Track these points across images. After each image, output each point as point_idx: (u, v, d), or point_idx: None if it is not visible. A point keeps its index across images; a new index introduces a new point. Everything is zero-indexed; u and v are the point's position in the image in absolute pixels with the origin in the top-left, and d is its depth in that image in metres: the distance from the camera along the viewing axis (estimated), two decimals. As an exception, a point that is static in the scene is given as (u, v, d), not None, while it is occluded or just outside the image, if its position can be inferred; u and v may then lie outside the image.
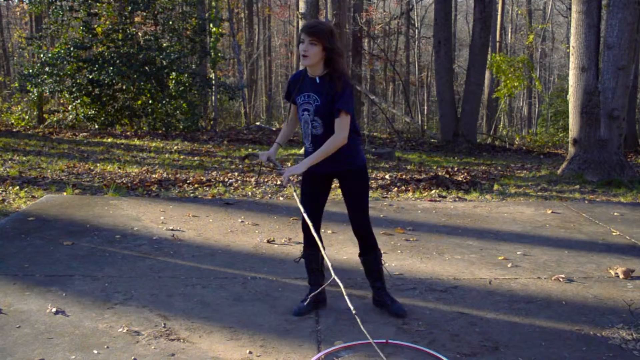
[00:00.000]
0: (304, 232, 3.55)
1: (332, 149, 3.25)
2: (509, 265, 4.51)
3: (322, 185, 3.52)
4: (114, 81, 13.65)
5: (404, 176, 8.46)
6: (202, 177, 7.95)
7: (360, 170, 3.44)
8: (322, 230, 5.30)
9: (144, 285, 3.90)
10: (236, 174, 8.37)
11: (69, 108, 14.62)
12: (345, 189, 3.48)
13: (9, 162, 8.77)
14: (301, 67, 3.45)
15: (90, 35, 14.43)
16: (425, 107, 26.77)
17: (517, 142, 17.04)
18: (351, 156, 3.39)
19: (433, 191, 7.41)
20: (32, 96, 14.92)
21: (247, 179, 7.91)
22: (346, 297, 2.99)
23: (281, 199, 6.76)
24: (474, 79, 13.90)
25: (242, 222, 5.57)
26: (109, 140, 11.79)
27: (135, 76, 13.68)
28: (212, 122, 16.20)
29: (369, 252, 3.54)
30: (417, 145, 14.27)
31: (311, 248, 3.53)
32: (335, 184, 3.66)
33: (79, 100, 14.22)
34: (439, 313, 3.59)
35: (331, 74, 3.24)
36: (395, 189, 7.53)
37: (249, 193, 7.08)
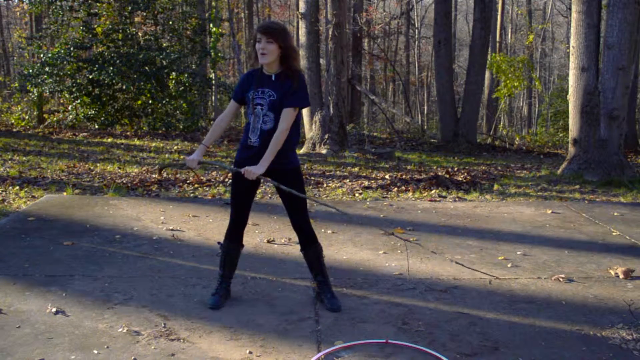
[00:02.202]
0: (235, 227, 3.62)
1: (280, 141, 3.38)
2: (509, 265, 4.51)
3: (254, 183, 3.56)
4: (114, 81, 13.64)
5: (404, 176, 8.46)
6: (202, 177, 7.95)
7: (297, 168, 3.57)
8: (322, 230, 5.32)
9: (144, 285, 3.90)
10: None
11: (69, 108, 14.62)
12: (281, 189, 3.51)
13: (9, 162, 8.77)
14: (256, 66, 3.52)
15: (90, 35, 14.43)
16: (425, 107, 26.76)
17: (517, 142, 17.03)
18: (288, 155, 3.50)
19: (433, 191, 7.41)
20: (32, 96, 14.92)
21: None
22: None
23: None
24: (474, 79, 13.90)
25: (242, 222, 5.56)
26: (109, 140, 11.79)
27: (135, 76, 13.68)
28: (212, 122, 16.18)
29: (309, 246, 3.64)
30: (417, 145, 14.27)
31: (236, 242, 3.65)
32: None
33: (79, 100, 14.22)
34: (439, 313, 3.59)
35: (287, 72, 3.41)
36: (395, 189, 7.53)
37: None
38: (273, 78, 3.42)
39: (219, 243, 3.73)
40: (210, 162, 3.52)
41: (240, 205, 3.58)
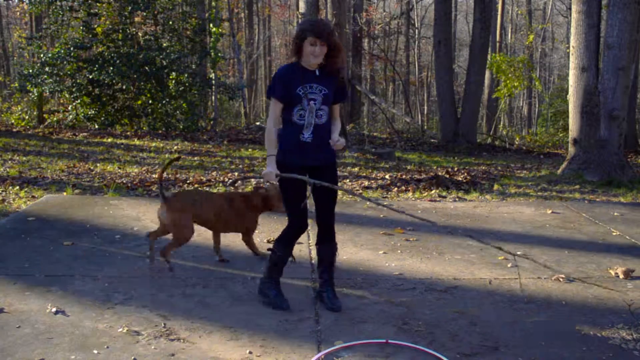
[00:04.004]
0: (298, 233, 3.62)
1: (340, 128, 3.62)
2: (509, 265, 4.51)
3: (306, 185, 3.50)
4: (114, 81, 13.64)
5: (404, 176, 8.46)
6: (202, 177, 7.95)
7: (335, 162, 3.65)
8: (322, 230, 5.31)
9: (144, 285, 3.90)
10: (236, 174, 8.37)
11: (69, 108, 14.62)
12: (324, 181, 3.48)
13: (9, 162, 8.77)
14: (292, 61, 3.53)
15: (90, 35, 14.41)
16: (425, 107, 26.76)
17: (517, 142, 17.04)
18: (331, 149, 3.57)
19: (433, 191, 7.41)
20: (32, 96, 14.91)
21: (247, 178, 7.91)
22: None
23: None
24: (474, 79, 13.90)
25: (242, 222, 5.56)
26: (109, 140, 11.79)
27: (135, 76, 13.67)
28: (212, 122, 16.20)
29: (328, 242, 3.67)
30: (417, 145, 14.27)
31: (292, 247, 3.69)
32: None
33: (79, 100, 14.22)
34: (439, 313, 3.59)
35: (329, 66, 3.44)
36: (395, 189, 7.53)
37: (249, 193, 7.07)
38: (317, 73, 3.44)
39: (269, 250, 3.71)
40: (289, 175, 3.40)
41: (303, 210, 3.51)
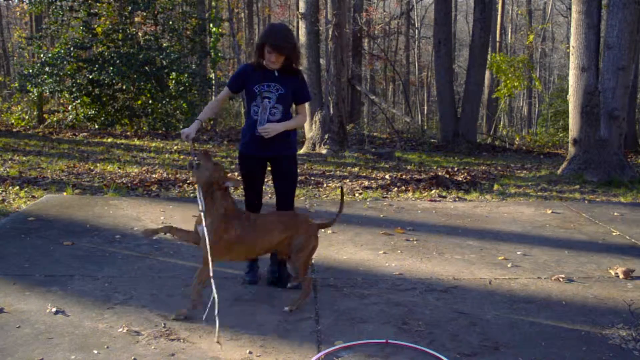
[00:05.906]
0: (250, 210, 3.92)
1: (300, 124, 3.91)
2: (509, 265, 4.51)
3: (260, 168, 3.89)
4: (114, 81, 13.63)
5: (404, 176, 8.46)
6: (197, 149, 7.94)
7: (294, 156, 3.94)
8: (322, 230, 5.31)
9: (144, 285, 3.90)
10: (236, 174, 8.37)
11: (69, 108, 14.61)
12: (280, 172, 3.90)
13: (9, 162, 8.76)
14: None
15: (90, 35, 14.42)
16: (425, 107, 26.77)
17: (517, 142, 17.03)
18: (291, 142, 3.89)
19: (433, 191, 7.41)
20: (32, 96, 14.90)
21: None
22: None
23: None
24: (474, 79, 13.88)
25: (242, 222, 5.56)
26: (109, 140, 11.79)
27: (135, 76, 13.67)
28: (212, 122, 16.19)
29: None
30: (417, 145, 14.26)
31: None
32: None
33: (79, 100, 14.21)
34: (439, 313, 3.59)
35: (288, 68, 3.72)
36: (395, 189, 7.53)
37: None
38: (276, 74, 3.72)
39: None
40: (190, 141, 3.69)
41: (256, 193, 3.89)
